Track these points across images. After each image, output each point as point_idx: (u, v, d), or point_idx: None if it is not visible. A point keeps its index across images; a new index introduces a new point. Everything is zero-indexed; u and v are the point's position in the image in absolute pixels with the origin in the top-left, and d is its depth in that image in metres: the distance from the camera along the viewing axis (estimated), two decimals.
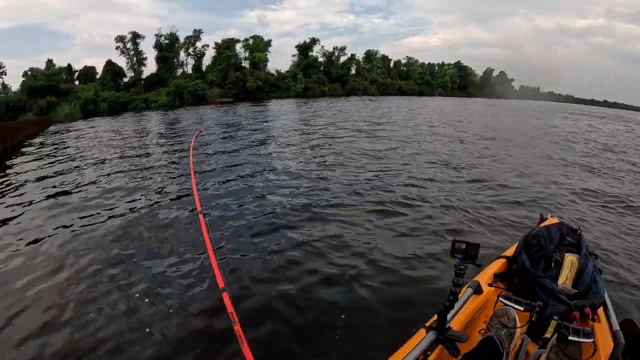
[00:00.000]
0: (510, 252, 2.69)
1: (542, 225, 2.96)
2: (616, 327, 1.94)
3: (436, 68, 67.00)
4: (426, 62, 66.65)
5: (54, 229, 4.78)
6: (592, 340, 1.65)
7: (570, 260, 2.27)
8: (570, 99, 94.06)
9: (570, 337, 1.63)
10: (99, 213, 5.30)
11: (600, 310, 2.08)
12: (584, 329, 1.67)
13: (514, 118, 24.65)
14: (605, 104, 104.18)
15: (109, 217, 5.11)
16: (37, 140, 15.79)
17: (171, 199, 5.75)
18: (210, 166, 8.17)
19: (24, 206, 5.88)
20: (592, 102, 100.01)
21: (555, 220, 3.22)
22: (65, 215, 5.32)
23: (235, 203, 5.49)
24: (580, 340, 1.63)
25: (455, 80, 68.48)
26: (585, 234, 2.72)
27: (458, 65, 69.94)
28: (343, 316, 2.81)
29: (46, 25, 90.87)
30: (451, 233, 4.50)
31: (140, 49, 40.78)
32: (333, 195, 5.88)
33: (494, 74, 75.61)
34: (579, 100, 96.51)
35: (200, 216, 4.46)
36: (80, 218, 5.14)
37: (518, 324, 1.85)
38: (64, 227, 4.83)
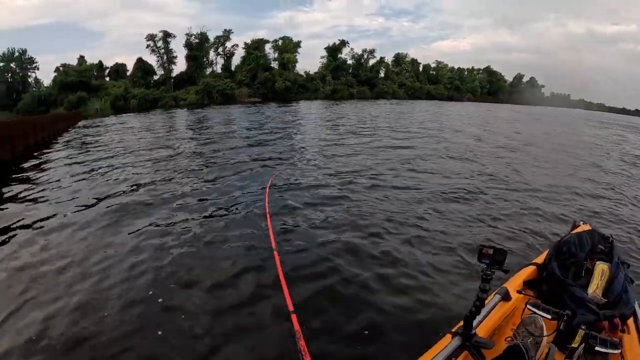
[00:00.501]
0: (540, 259, 2.62)
1: (573, 232, 2.92)
2: None
3: (465, 73, 65.00)
4: (455, 67, 64.79)
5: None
6: (619, 351, 1.64)
7: (601, 268, 2.22)
8: (602, 107, 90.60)
9: (597, 348, 1.61)
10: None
11: (630, 321, 2.01)
12: (611, 339, 1.65)
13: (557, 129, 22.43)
14: (637, 112, 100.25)
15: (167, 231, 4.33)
16: (69, 134, 15.42)
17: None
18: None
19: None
20: (623, 111, 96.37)
21: (588, 227, 3.16)
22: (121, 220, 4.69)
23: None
24: (607, 351, 1.61)
25: (484, 86, 66.34)
26: (618, 242, 2.66)
27: (488, 70, 67.90)
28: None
29: (79, 23, 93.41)
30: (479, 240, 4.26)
31: (170, 48, 40.66)
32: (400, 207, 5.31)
33: (524, 79, 73.22)
34: (610, 108, 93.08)
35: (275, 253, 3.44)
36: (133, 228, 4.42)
37: (545, 333, 1.82)
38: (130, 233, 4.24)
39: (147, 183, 6.35)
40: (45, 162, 8.60)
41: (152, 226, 4.39)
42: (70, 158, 9.17)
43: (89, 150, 10.16)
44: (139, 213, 4.84)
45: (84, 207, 5.12)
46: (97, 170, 7.49)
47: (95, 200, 5.43)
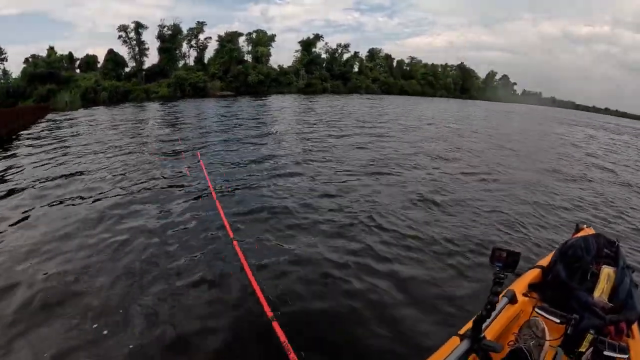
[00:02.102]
0: (545, 261, 2.64)
1: (578, 235, 2.87)
2: None
3: (439, 69, 66.83)
4: (429, 63, 66.54)
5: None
6: (627, 356, 1.61)
7: (607, 272, 2.21)
8: (570, 105, 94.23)
9: (605, 352, 1.59)
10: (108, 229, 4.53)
11: (635, 326, 2.02)
12: (619, 344, 1.64)
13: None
14: (606, 111, 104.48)
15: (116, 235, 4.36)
16: (35, 128, 15.44)
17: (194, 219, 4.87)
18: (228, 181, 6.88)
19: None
20: (593, 109, 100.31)
21: (592, 231, 3.13)
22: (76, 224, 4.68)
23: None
24: (616, 355, 1.59)
25: (457, 82, 68.36)
26: (623, 246, 2.57)
27: (461, 67, 69.82)
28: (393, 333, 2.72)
29: (50, 12, 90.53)
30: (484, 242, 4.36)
31: (142, 39, 40.74)
32: (376, 202, 5.63)
33: (497, 77, 75.71)
34: (579, 106, 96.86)
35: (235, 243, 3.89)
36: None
37: (547, 336, 1.82)
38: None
39: (108, 185, 6.31)
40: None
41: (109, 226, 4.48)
42: (30, 156, 9.07)
43: (48, 150, 9.86)
44: (97, 217, 4.76)
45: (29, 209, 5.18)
46: (51, 168, 7.60)
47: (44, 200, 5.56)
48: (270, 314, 2.72)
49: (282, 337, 2.41)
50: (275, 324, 2.58)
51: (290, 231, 4.50)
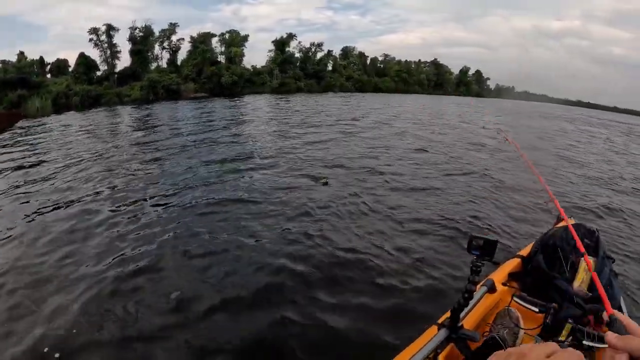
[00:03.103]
0: (525, 251, 2.69)
1: (559, 226, 2.93)
2: None
3: (413, 66, 68.51)
4: (403, 60, 68.11)
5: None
6: (606, 345, 1.91)
7: (586, 262, 2.21)
8: (543, 98, 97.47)
9: (584, 342, 1.59)
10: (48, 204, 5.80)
11: None
12: (598, 333, 1.64)
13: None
14: (579, 103, 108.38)
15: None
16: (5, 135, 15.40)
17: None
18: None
19: None
20: (567, 102, 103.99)
21: (572, 221, 3.24)
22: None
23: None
24: (595, 345, 1.59)
25: (431, 78, 70.19)
26: (602, 235, 2.71)
27: (435, 63, 71.58)
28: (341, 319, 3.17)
29: (20, 16, 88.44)
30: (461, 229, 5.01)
31: (114, 42, 40.87)
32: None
33: (470, 72, 77.85)
34: (552, 99, 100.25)
35: None
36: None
37: (522, 324, 1.84)
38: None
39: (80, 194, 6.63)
40: None
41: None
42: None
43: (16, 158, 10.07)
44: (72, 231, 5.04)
45: None
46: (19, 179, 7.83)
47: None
48: None
49: None
50: None
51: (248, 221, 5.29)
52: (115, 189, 7.00)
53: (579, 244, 2.31)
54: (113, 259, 4.27)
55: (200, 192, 6.79)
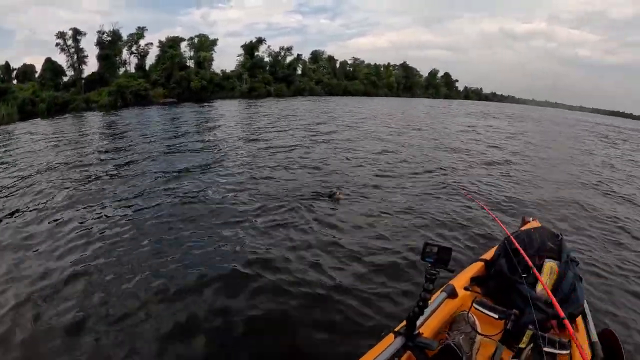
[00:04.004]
0: (488, 255, 2.69)
1: (523, 228, 2.94)
2: (595, 338, 1.95)
3: (382, 69, 70.99)
4: (372, 63, 70.52)
5: None
6: (568, 352, 1.61)
7: (550, 266, 2.20)
8: (511, 99, 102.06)
9: (545, 349, 1.59)
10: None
11: (579, 320, 2.07)
12: (560, 339, 1.64)
13: None
14: (546, 104, 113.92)
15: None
16: None
17: None
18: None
19: None
20: (533, 102, 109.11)
21: (537, 224, 3.17)
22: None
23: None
24: (556, 352, 1.59)
25: (400, 81, 72.88)
26: (566, 238, 2.70)
27: (404, 66, 74.24)
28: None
29: None
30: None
31: (81, 47, 41.33)
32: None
33: (439, 75, 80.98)
34: (519, 100, 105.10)
35: None
36: None
37: (479, 328, 1.85)
38: None
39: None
40: None
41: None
42: None
43: None
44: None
45: None
46: None
47: None
48: None
49: None
50: None
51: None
52: (72, 198, 7.06)
53: (543, 247, 2.31)
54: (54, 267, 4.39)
55: (159, 198, 6.87)
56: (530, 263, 2.14)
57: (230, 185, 7.71)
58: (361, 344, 2.45)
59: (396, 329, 1.72)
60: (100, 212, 6.26)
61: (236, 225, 5.47)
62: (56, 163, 10.33)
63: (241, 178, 8.29)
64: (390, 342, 1.66)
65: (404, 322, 1.69)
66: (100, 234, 5.31)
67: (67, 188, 7.73)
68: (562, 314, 1.77)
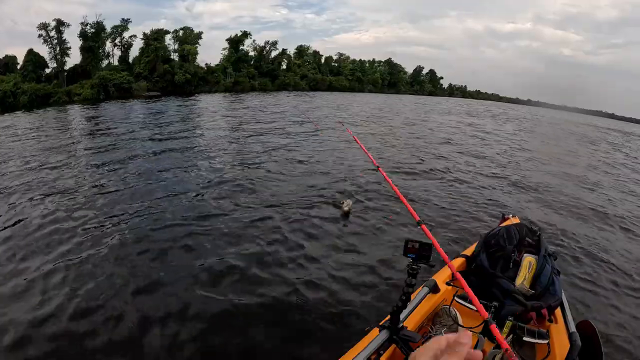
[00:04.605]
0: (469, 251, 2.79)
1: (502, 225, 3.03)
2: (573, 329, 2.00)
3: (367, 65, 71.87)
4: (357, 59, 71.37)
5: None
6: (547, 341, 1.71)
7: (528, 261, 2.28)
8: (495, 97, 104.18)
9: (524, 338, 1.71)
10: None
11: (558, 312, 2.16)
12: (539, 330, 1.75)
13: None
14: (529, 102, 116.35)
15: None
16: None
17: None
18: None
19: None
20: (517, 101, 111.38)
21: (516, 220, 3.29)
22: None
23: None
24: (535, 341, 1.70)
25: (385, 77, 73.94)
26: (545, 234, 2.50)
27: (389, 63, 75.24)
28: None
29: None
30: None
31: (64, 38, 41.02)
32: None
33: (424, 72, 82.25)
34: (503, 98, 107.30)
35: None
36: None
37: (460, 321, 1.96)
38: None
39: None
40: None
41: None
42: None
43: None
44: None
45: None
46: None
47: None
48: None
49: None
50: None
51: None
52: (49, 196, 6.94)
53: (521, 242, 2.39)
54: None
55: (141, 196, 6.85)
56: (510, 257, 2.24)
57: (215, 183, 7.71)
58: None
59: (380, 323, 1.81)
60: (80, 206, 6.25)
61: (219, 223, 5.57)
62: (34, 159, 9.95)
63: (225, 175, 8.39)
64: (375, 336, 1.72)
65: (388, 317, 1.78)
66: (78, 229, 5.31)
67: (44, 186, 7.60)
68: (541, 306, 1.89)
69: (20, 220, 5.77)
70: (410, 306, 1.96)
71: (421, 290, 2.21)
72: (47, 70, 40.33)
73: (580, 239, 5.76)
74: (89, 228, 5.41)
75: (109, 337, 3.12)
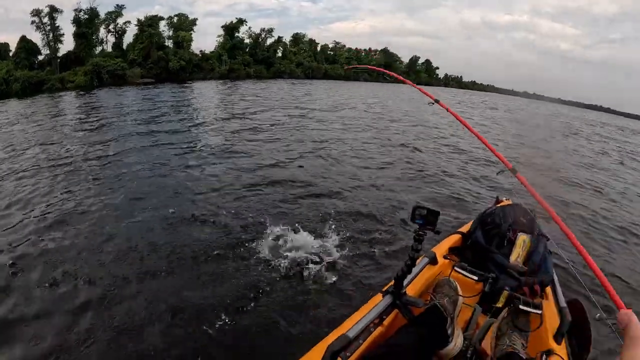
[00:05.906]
0: (465, 228, 2.90)
1: (498, 205, 3.10)
2: (563, 304, 2.09)
3: (363, 54, 71.55)
4: (353, 48, 70.98)
5: None
6: (541, 312, 1.72)
7: (522, 239, 2.33)
8: (490, 89, 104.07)
9: (521, 306, 1.72)
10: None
11: (549, 290, 2.26)
12: (534, 301, 1.76)
13: None
14: (525, 94, 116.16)
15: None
16: None
17: None
18: None
19: None
20: (512, 93, 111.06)
21: (510, 202, 3.42)
22: None
23: None
24: (530, 310, 1.71)
25: (381, 66, 73.63)
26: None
27: (385, 52, 74.84)
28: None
29: None
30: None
31: (57, 24, 40.52)
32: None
33: (420, 62, 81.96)
34: (499, 90, 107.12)
35: None
36: None
37: (460, 292, 1.96)
38: None
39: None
40: None
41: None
42: None
43: None
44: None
45: None
46: None
47: None
48: None
49: None
50: None
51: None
52: (40, 183, 6.90)
53: (516, 222, 2.47)
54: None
55: (136, 189, 6.72)
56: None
57: (212, 177, 7.49)
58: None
59: (384, 289, 1.85)
60: (73, 200, 6.13)
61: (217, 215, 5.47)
62: (29, 148, 9.89)
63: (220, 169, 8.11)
64: (379, 301, 1.76)
65: (391, 283, 1.83)
66: (68, 222, 5.24)
67: (37, 173, 7.57)
68: (534, 282, 1.99)
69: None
70: (412, 274, 2.01)
71: (422, 261, 2.29)
72: (40, 57, 39.95)
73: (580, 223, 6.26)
74: (84, 211, 5.57)
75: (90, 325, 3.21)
